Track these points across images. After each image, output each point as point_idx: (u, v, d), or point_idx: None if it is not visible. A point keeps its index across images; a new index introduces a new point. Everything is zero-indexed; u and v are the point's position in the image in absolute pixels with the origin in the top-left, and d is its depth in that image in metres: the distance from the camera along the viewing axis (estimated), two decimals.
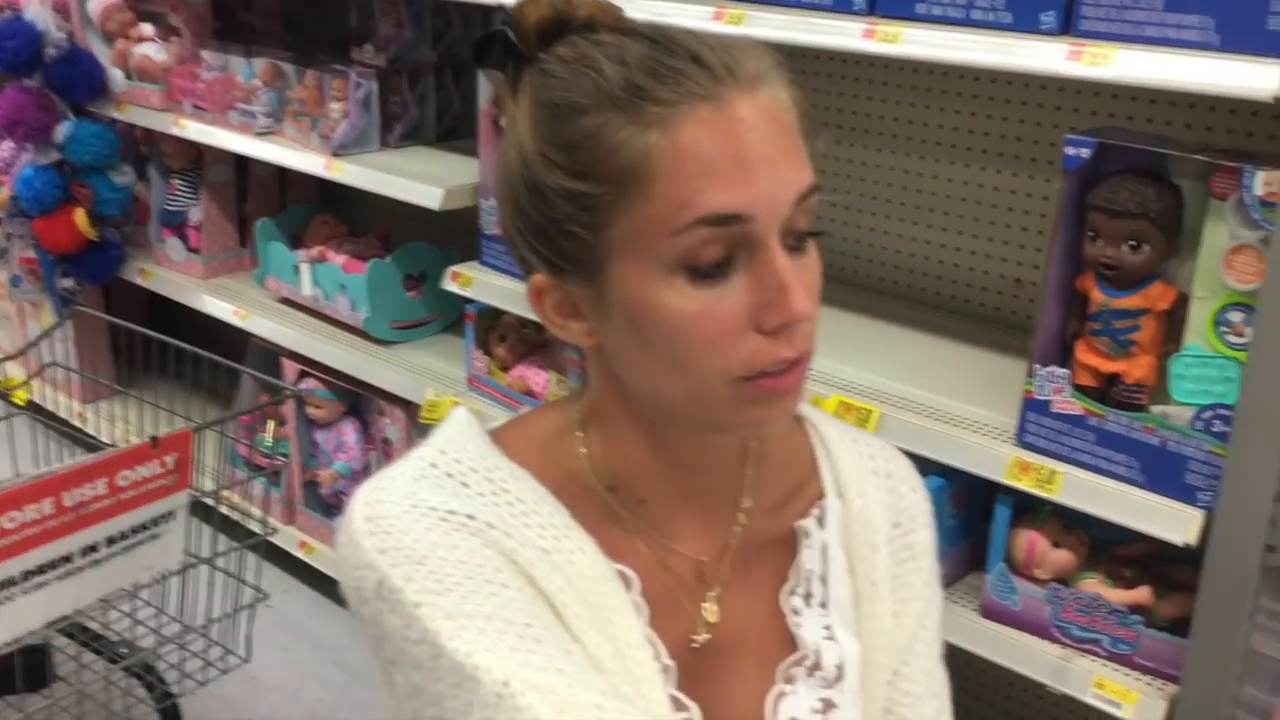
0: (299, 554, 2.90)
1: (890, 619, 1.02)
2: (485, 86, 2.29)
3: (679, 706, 0.93)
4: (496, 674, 0.83)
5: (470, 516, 0.88)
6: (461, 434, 0.95)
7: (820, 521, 1.02)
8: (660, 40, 0.85)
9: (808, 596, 1.00)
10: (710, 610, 0.97)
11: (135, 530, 1.61)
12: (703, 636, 0.97)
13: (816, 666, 0.99)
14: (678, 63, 0.83)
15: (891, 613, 1.02)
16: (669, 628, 0.95)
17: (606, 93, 0.83)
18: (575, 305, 0.90)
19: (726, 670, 0.97)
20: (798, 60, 2.27)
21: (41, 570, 1.52)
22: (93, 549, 1.56)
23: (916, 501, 1.07)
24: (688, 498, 0.97)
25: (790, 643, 0.99)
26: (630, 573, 0.94)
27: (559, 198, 0.85)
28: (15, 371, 2.71)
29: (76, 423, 3.10)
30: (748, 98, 0.83)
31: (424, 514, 0.88)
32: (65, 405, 3.15)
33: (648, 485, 0.95)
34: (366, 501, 0.90)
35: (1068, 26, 1.55)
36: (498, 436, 0.97)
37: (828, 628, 1.00)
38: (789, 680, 0.98)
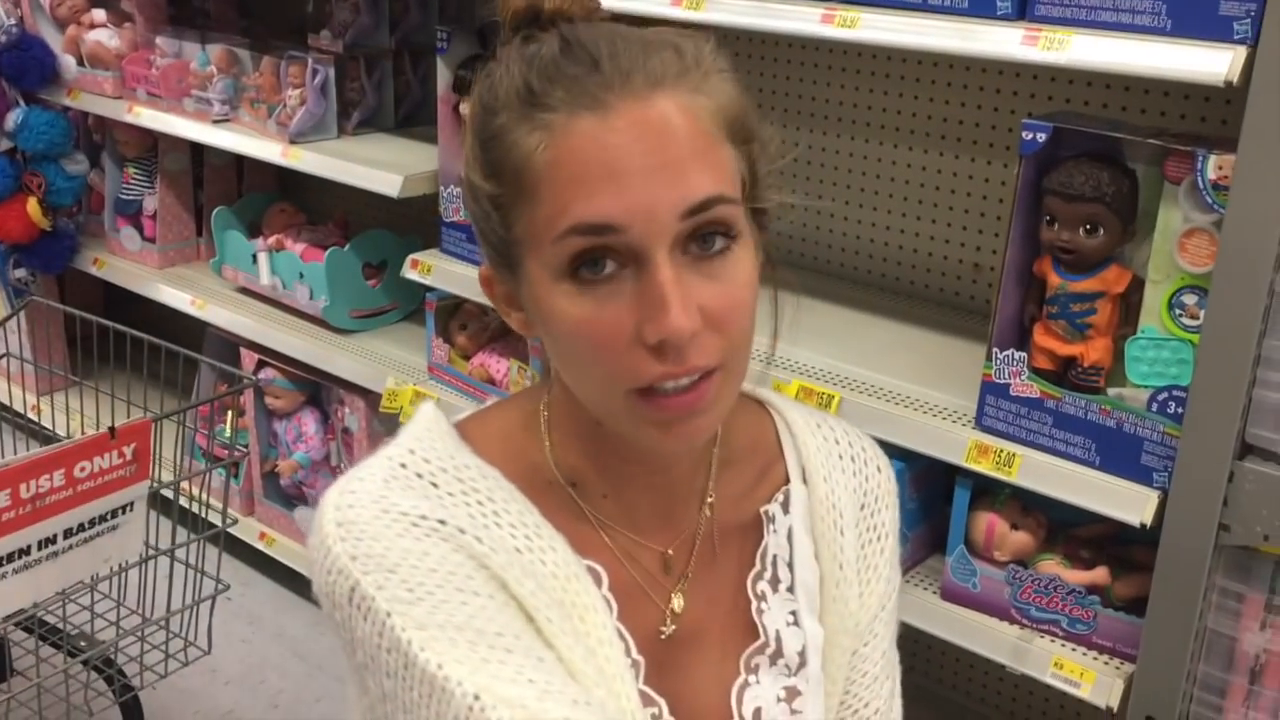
0: (259, 546, 2.88)
1: (856, 601, 1.04)
2: (444, 73, 2.28)
3: (648, 702, 0.94)
4: (468, 686, 0.83)
5: (441, 522, 0.88)
6: (430, 431, 0.94)
7: (785, 506, 1.03)
8: (571, 42, 0.84)
9: (774, 582, 1.01)
10: (677, 601, 0.98)
11: (94, 522, 1.59)
12: (670, 628, 0.97)
13: (779, 654, 0.99)
14: (574, 68, 0.83)
15: (857, 593, 1.04)
16: (638, 620, 0.96)
17: (510, 94, 0.84)
18: (514, 296, 0.92)
19: (692, 660, 0.98)
20: (756, 45, 2.28)
21: None
22: (51, 541, 1.55)
23: (882, 481, 1.08)
24: (649, 492, 0.97)
25: (754, 629, 1.00)
26: (599, 568, 0.94)
27: (480, 195, 0.88)
28: None
29: (31, 416, 3.05)
30: (637, 105, 0.82)
31: (395, 519, 0.88)
32: (19, 398, 3.10)
33: (607, 481, 0.96)
34: (337, 505, 0.89)
35: (1024, 12, 1.57)
36: (465, 430, 0.97)
37: (793, 613, 1.01)
38: (752, 670, 0.99)
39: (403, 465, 0.91)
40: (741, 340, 0.87)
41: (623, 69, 0.82)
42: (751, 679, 0.99)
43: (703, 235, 0.83)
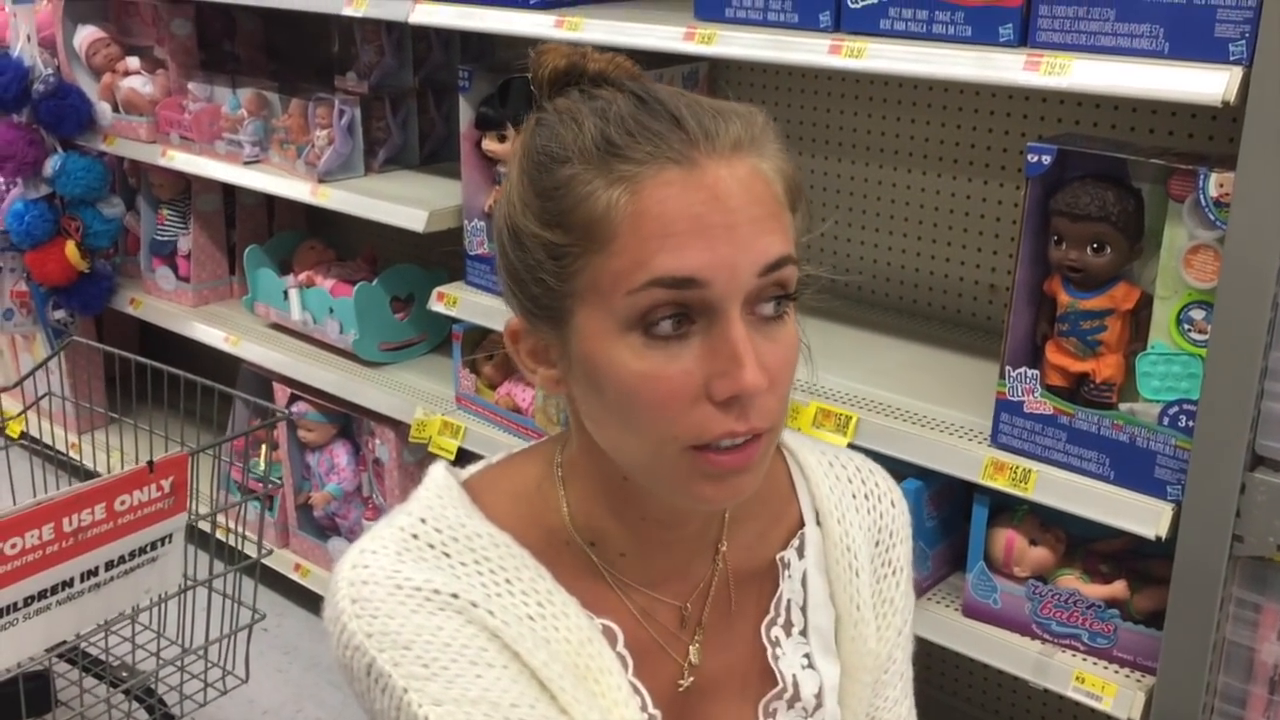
0: (294, 577, 2.93)
1: (874, 639, 1.05)
2: (466, 110, 2.34)
3: None
4: None
5: (454, 596, 0.90)
6: (441, 499, 0.95)
7: (800, 551, 1.03)
8: (647, 99, 0.86)
9: (788, 626, 1.02)
10: (695, 652, 0.99)
11: (134, 554, 1.64)
12: (688, 680, 0.98)
13: (796, 698, 1.01)
14: (656, 123, 0.84)
15: (875, 630, 1.05)
16: (654, 674, 0.97)
17: (582, 146, 0.84)
18: (546, 351, 0.92)
19: (711, 710, 0.99)
20: (770, 76, 2.33)
21: (43, 595, 1.55)
22: (93, 573, 1.60)
23: (896, 516, 1.09)
24: (667, 548, 0.98)
25: (771, 676, 1.01)
26: (614, 627, 0.96)
27: (532, 243, 0.87)
28: (9, 404, 2.74)
29: (71, 454, 3.12)
30: (721, 163, 0.83)
31: (408, 595, 0.89)
32: (60, 437, 3.17)
33: (626, 540, 0.96)
34: (351, 580, 0.91)
35: (1025, 38, 1.60)
36: (476, 492, 0.97)
37: (807, 656, 1.02)
38: (770, 715, 1.00)
39: (414, 536, 0.92)
40: (787, 401, 0.89)
41: (706, 128, 0.84)
42: None
43: (766, 296, 0.85)
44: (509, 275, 0.91)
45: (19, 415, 2.31)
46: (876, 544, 1.06)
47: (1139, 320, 1.63)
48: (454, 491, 0.96)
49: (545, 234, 0.86)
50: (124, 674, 1.89)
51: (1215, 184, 1.47)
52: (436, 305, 2.45)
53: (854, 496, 1.06)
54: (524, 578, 0.92)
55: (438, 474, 0.98)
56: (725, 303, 0.83)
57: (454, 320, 2.47)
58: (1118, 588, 1.74)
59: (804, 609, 1.03)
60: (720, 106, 0.87)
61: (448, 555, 0.92)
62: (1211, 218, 1.48)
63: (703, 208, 0.82)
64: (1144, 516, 1.59)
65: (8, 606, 1.52)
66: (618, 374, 0.84)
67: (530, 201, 0.87)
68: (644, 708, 0.95)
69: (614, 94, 0.87)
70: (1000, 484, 1.70)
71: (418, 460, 2.69)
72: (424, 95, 2.86)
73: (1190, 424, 1.53)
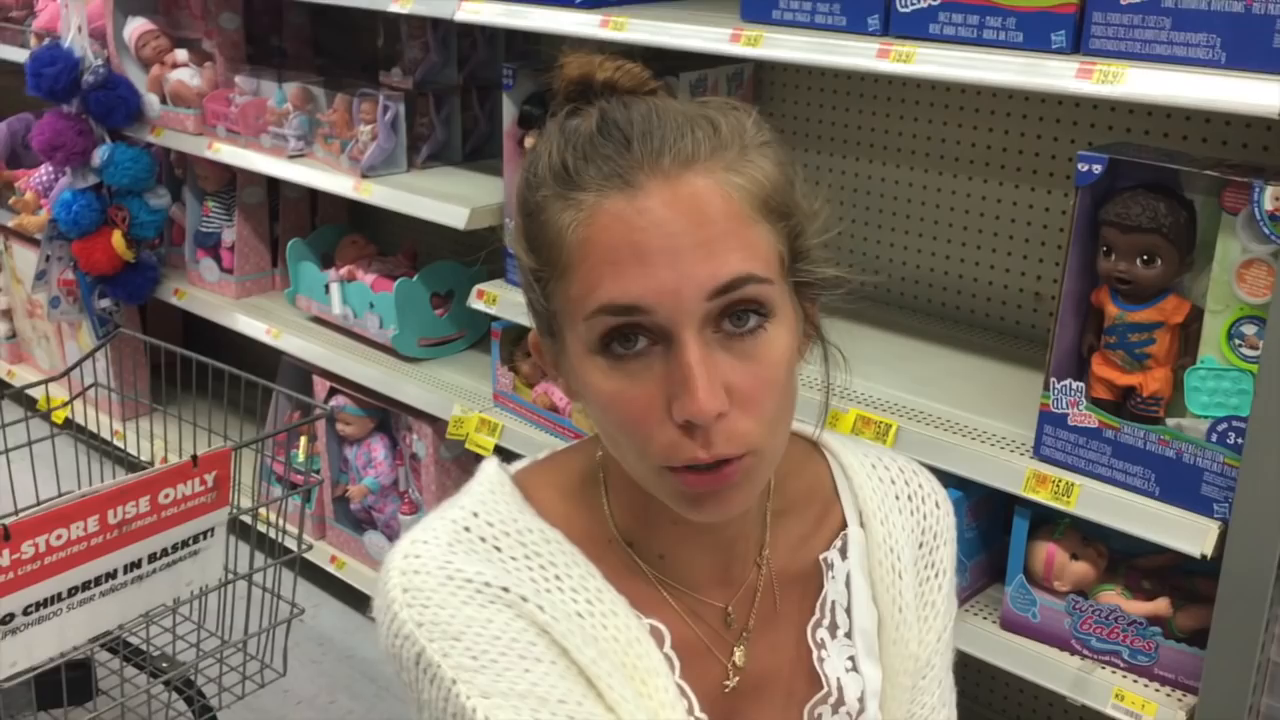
0: (330, 569, 2.95)
1: (915, 642, 1.04)
2: (509, 108, 2.34)
3: None
4: None
5: (505, 589, 0.90)
6: (494, 494, 0.96)
7: (843, 552, 1.03)
8: (607, 119, 0.85)
9: (833, 628, 1.02)
10: (740, 655, 0.99)
11: (176, 547, 1.66)
12: (733, 681, 0.98)
13: (840, 702, 1.01)
14: (606, 146, 0.84)
15: (916, 633, 1.04)
16: (701, 676, 0.97)
17: (551, 169, 0.86)
18: (557, 363, 0.93)
19: (756, 713, 0.99)
20: (816, 79, 2.31)
21: (87, 586, 1.57)
22: (136, 565, 1.61)
23: (940, 518, 1.08)
24: (704, 550, 0.98)
25: (816, 679, 1.01)
26: (661, 627, 0.96)
27: (523, 266, 0.91)
28: (56, 392, 2.77)
29: (115, 441, 3.16)
30: (666, 185, 0.82)
31: (460, 586, 0.90)
32: (104, 424, 3.21)
33: (662, 541, 0.97)
34: (403, 570, 0.92)
35: (1078, 45, 1.58)
36: (527, 488, 0.98)
37: (851, 659, 1.02)
38: None
39: (466, 529, 0.93)
40: (775, 419, 0.86)
41: (654, 148, 0.83)
42: None
43: (735, 313, 0.83)
44: (524, 289, 0.94)
45: (65, 404, 2.34)
46: (920, 545, 1.06)
47: (1188, 334, 1.60)
48: (506, 487, 0.97)
49: (526, 259, 0.89)
50: (164, 665, 1.90)
51: (1270, 197, 1.44)
52: (476, 303, 2.45)
53: (897, 498, 1.06)
54: (574, 574, 0.93)
55: (490, 469, 1.00)
56: (676, 326, 0.82)
57: (493, 318, 2.47)
58: (1160, 605, 1.71)
59: (848, 610, 1.02)
60: (691, 115, 0.86)
61: (499, 549, 0.93)
62: (1266, 231, 1.46)
63: (641, 235, 0.82)
64: (1190, 534, 1.56)
65: (52, 597, 1.54)
66: (594, 393, 0.87)
67: (520, 223, 0.90)
68: (691, 710, 0.95)
69: (588, 113, 0.87)
70: (1042, 497, 1.69)
71: (454, 456, 2.70)
72: (468, 92, 2.86)
73: (1239, 441, 1.51)
